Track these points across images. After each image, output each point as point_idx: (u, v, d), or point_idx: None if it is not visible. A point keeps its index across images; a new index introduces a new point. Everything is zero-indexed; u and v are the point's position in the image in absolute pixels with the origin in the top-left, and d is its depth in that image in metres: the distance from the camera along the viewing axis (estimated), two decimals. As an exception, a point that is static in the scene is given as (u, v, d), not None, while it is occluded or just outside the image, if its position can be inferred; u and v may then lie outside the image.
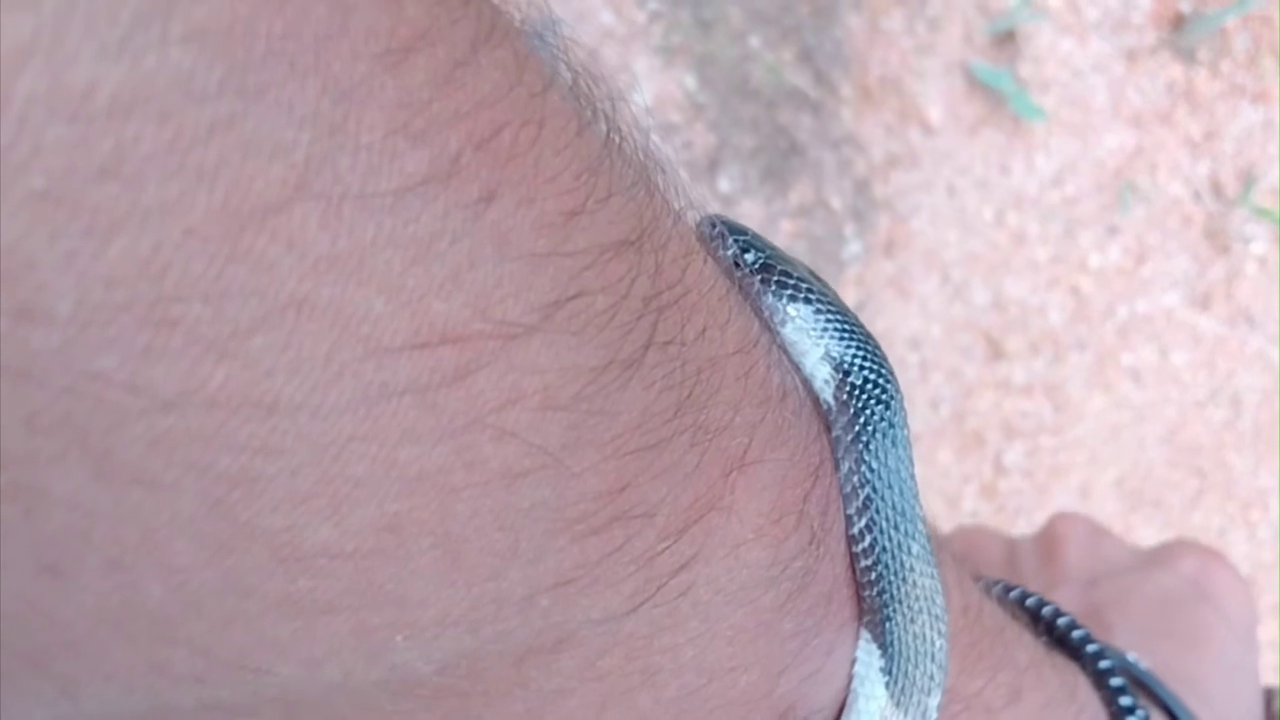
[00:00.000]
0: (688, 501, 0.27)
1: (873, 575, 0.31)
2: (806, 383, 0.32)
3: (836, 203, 1.65)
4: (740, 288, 0.31)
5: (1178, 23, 1.76)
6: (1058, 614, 0.43)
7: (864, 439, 0.31)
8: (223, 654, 0.22)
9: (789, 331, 0.31)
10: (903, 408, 0.32)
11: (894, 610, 0.31)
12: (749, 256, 0.31)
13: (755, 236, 0.32)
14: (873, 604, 0.31)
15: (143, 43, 0.18)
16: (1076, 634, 0.42)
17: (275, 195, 0.19)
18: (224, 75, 0.18)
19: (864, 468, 0.31)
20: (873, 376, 0.31)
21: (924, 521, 0.32)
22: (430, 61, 0.21)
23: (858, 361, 0.31)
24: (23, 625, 0.21)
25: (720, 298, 0.28)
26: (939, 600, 0.31)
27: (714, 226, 0.31)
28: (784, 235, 1.62)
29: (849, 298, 1.63)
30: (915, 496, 0.31)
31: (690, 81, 1.62)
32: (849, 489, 0.31)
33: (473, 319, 0.22)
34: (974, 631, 0.35)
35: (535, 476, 0.23)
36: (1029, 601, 0.43)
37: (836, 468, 0.31)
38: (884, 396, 0.31)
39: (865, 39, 1.69)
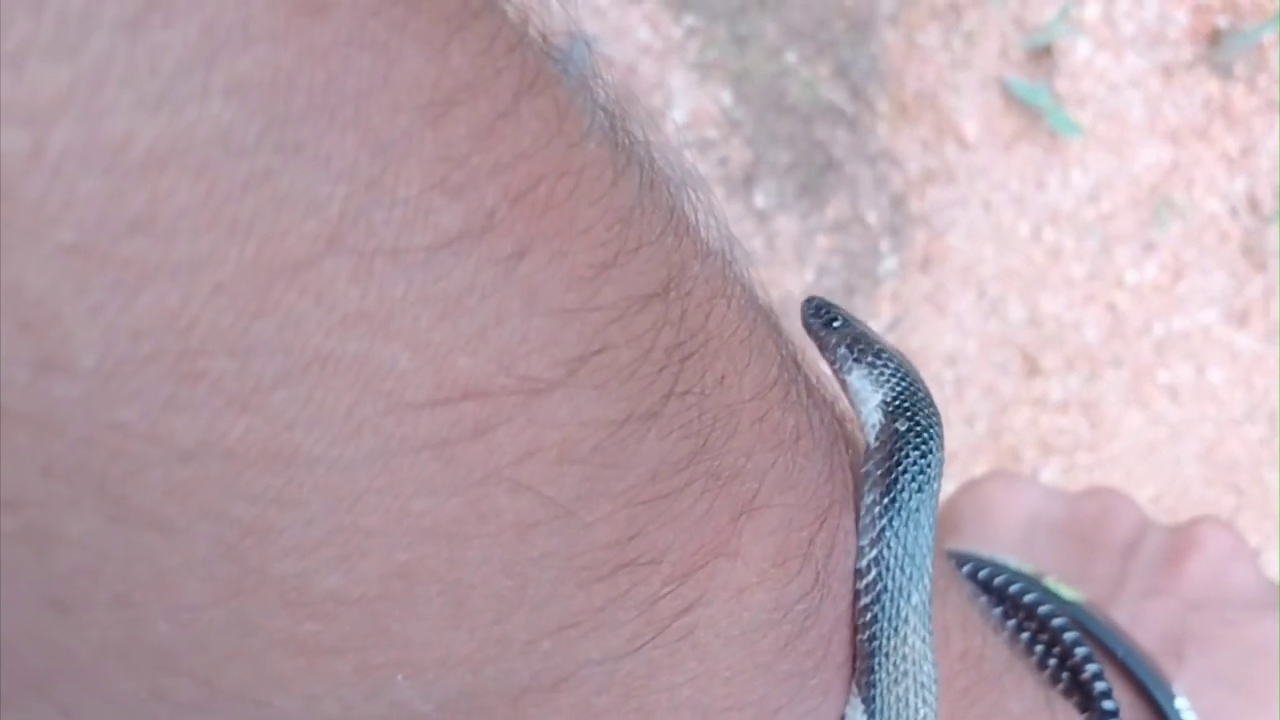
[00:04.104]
0: (694, 547, 0.27)
1: (868, 617, 0.31)
2: (841, 419, 0.32)
3: (872, 218, 1.65)
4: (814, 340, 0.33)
5: (1214, 38, 1.75)
6: (1064, 627, 0.43)
7: (894, 479, 0.31)
8: (224, 686, 0.23)
9: (853, 379, 0.32)
10: (940, 469, 0.32)
11: (879, 672, 0.31)
12: (836, 324, 0.34)
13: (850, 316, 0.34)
14: (864, 653, 0.31)
15: (183, 95, 0.18)
16: (1068, 635, 0.42)
17: (307, 250, 0.19)
18: (263, 129, 0.18)
19: (888, 514, 0.31)
20: (920, 426, 0.32)
21: (931, 580, 0.31)
22: (472, 114, 0.21)
23: (905, 401, 0.32)
24: (26, 653, 0.21)
25: (741, 341, 0.28)
26: (927, 667, 0.31)
27: (811, 306, 0.34)
28: (820, 251, 1.62)
29: (885, 313, 1.63)
30: (928, 550, 0.31)
31: (726, 97, 1.62)
32: (867, 519, 0.31)
33: (497, 374, 0.22)
34: (970, 676, 0.34)
35: (547, 527, 0.23)
36: (1049, 618, 0.43)
37: (855, 505, 0.31)
38: (924, 447, 0.32)
39: (901, 54, 1.68)
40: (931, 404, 0.33)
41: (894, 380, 0.33)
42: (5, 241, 0.17)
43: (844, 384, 0.33)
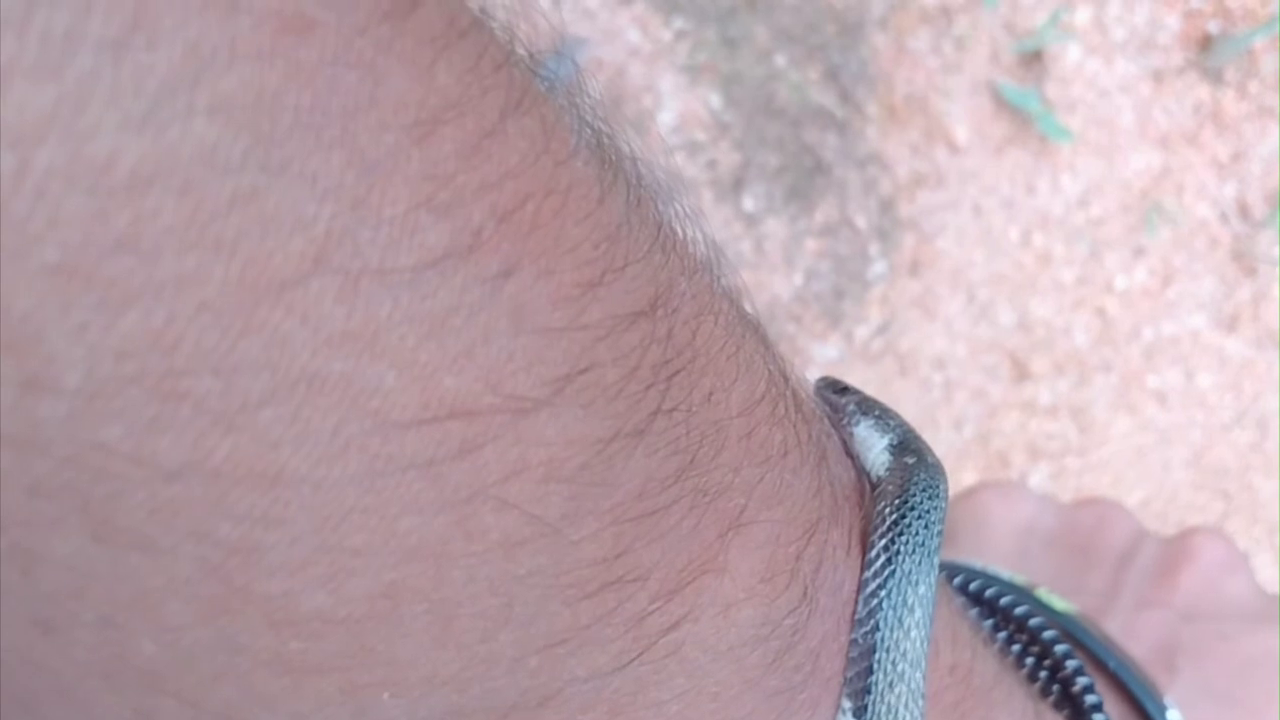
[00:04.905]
0: (682, 564, 0.27)
1: (874, 603, 0.31)
2: (828, 434, 0.33)
3: (861, 222, 1.65)
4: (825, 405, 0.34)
5: (1205, 43, 1.76)
6: (1055, 640, 0.43)
7: (908, 489, 0.32)
8: (210, 706, 0.23)
9: (860, 429, 0.34)
10: (946, 494, 0.33)
11: (877, 673, 0.31)
12: (846, 390, 0.36)
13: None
14: (862, 649, 0.31)
15: (167, 115, 0.18)
16: (1059, 648, 0.42)
17: (293, 270, 0.19)
18: (248, 148, 0.18)
19: (902, 510, 0.32)
20: (928, 461, 0.33)
21: (936, 576, 0.32)
22: (459, 132, 0.21)
23: (912, 443, 0.34)
24: (12, 673, 0.21)
25: (729, 357, 0.28)
26: (919, 675, 0.31)
27: (824, 381, 0.35)
28: (808, 254, 1.62)
29: (873, 317, 1.63)
30: (936, 548, 0.31)
31: (716, 100, 1.63)
32: (878, 520, 0.31)
33: (483, 394, 0.22)
34: (959, 690, 0.34)
35: (533, 545, 0.23)
36: (1040, 630, 0.43)
37: (844, 519, 0.31)
38: (932, 476, 0.33)
39: (891, 58, 1.69)
40: (934, 454, 0.34)
41: (899, 429, 0.34)
42: None
43: (851, 436, 0.34)
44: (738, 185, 1.61)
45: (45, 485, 0.19)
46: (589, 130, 0.25)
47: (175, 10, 0.18)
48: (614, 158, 0.26)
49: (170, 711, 0.22)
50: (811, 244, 1.63)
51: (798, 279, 1.62)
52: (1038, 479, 1.65)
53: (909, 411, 0.35)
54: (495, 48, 0.22)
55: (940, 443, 1.62)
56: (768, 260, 1.61)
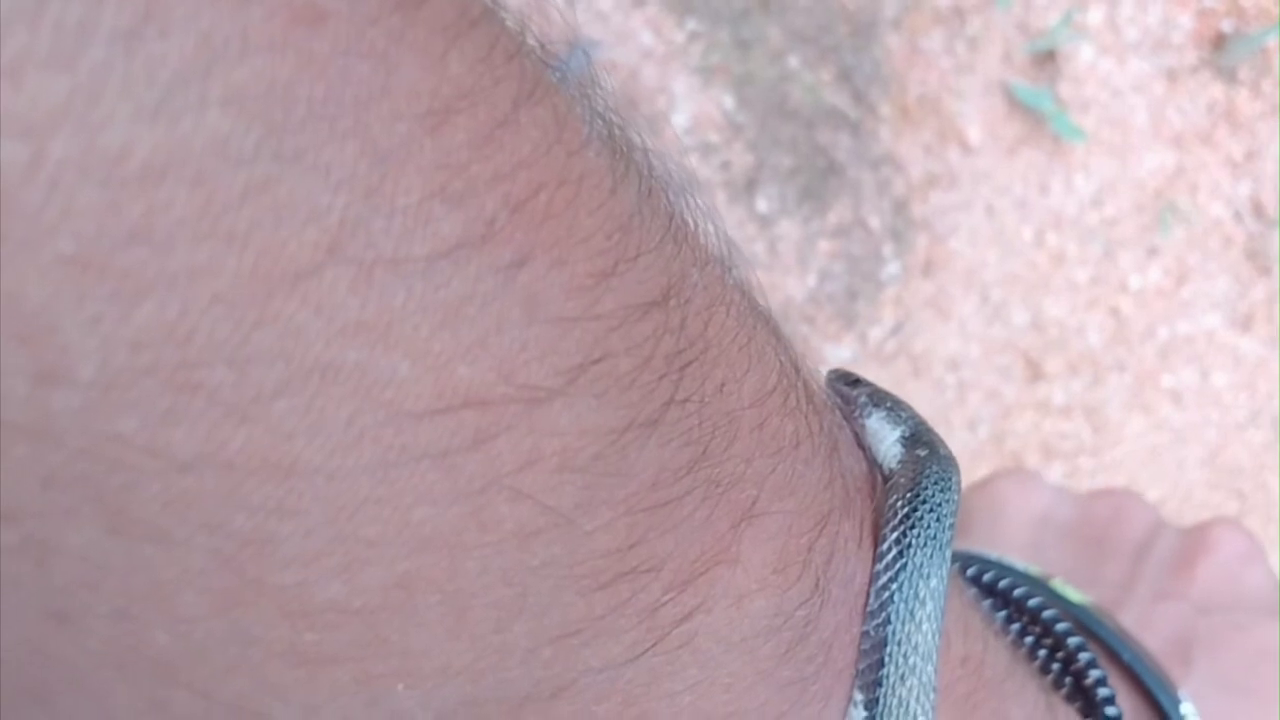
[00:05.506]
0: (695, 555, 0.27)
1: (886, 595, 0.31)
2: (839, 425, 0.33)
3: (875, 222, 1.65)
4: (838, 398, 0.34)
5: (1218, 42, 1.75)
6: (1068, 632, 0.43)
7: (919, 482, 0.32)
8: (223, 697, 0.23)
9: (872, 421, 0.34)
10: (959, 486, 0.33)
11: (889, 665, 0.31)
12: (858, 382, 0.36)
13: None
14: (874, 641, 0.31)
15: (180, 105, 0.18)
16: (1072, 640, 0.42)
17: (307, 259, 0.19)
18: (261, 138, 0.18)
19: (913, 504, 0.32)
20: (940, 454, 0.33)
21: (948, 568, 0.32)
22: (471, 122, 0.21)
23: (924, 436, 0.34)
24: (26, 664, 0.21)
25: (740, 348, 0.28)
26: (930, 669, 0.31)
27: (835, 373, 0.35)
28: (822, 255, 1.62)
29: (887, 318, 1.63)
30: (948, 543, 0.31)
31: (729, 101, 1.62)
32: (889, 513, 0.31)
33: (497, 383, 0.22)
34: (971, 682, 0.34)
35: (547, 535, 0.23)
36: (1053, 623, 0.43)
37: (855, 511, 0.31)
38: (944, 469, 0.33)
39: (904, 59, 1.68)
40: (947, 446, 0.34)
41: (911, 421, 0.34)
42: (4, 252, 0.17)
43: (863, 428, 0.34)
44: (751, 186, 1.61)
45: (60, 477, 0.19)
46: (601, 121, 0.25)
47: (187, 1, 0.18)
48: (625, 148, 0.26)
49: (183, 703, 0.22)
50: (825, 245, 1.62)
51: (811, 280, 1.62)
52: (1052, 478, 1.65)
53: (923, 412, 0.35)
54: (507, 38, 0.22)
55: (954, 443, 1.62)
56: (781, 261, 1.61)
